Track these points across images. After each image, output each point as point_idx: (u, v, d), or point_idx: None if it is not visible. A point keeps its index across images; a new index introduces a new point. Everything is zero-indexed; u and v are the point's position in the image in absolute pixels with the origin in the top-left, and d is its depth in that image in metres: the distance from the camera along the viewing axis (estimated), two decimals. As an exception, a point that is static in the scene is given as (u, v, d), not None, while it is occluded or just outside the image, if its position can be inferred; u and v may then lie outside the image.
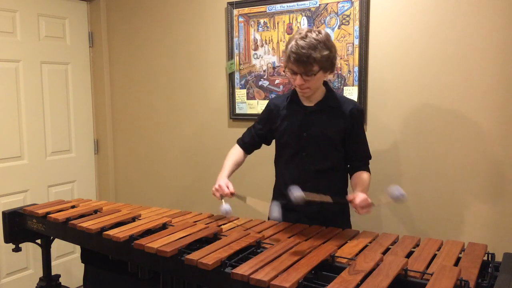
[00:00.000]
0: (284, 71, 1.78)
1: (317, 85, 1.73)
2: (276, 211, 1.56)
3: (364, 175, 1.79)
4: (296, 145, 1.81)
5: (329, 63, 1.67)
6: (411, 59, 2.13)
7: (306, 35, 1.62)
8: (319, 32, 1.64)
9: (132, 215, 1.89)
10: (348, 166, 1.86)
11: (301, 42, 1.61)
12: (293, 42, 1.63)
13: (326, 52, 1.63)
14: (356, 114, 1.78)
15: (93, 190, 3.29)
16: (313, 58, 1.60)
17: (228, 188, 1.78)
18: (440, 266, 1.26)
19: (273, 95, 2.51)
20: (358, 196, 1.63)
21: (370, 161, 1.87)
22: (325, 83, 1.82)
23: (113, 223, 1.79)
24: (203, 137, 2.83)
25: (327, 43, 1.64)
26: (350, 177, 1.85)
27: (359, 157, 1.83)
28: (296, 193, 1.49)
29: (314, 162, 1.79)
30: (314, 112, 1.79)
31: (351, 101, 1.83)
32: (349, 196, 1.66)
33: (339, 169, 1.85)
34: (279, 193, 1.90)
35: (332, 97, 1.80)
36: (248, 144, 1.99)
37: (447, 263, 1.32)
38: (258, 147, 2.01)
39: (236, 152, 1.98)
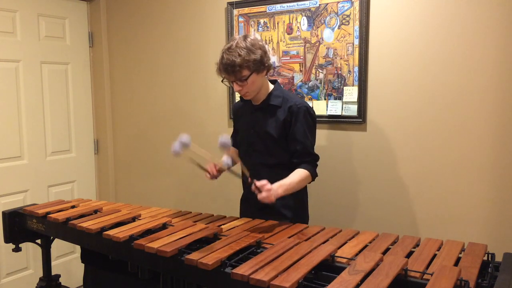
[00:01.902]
0: (222, 81, 1.90)
1: (255, 87, 1.82)
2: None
3: (295, 173, 1.79)
4: (246, 141, 1.96)
5: (258, 65, 1.76)
6: (411, 59, 2.13)
7: (231, 46, 1.74)
8: (245, 38, 1.75)
9: (132, 215, 1.89)
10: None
11: (226, 54, 1.74)
12: (222, 54, 1.76)
13: (251, 56, 1.72)
14: (294, 110, 1.83)
15: (93, 190, 3.29)
16: (238, 65, 1.71)
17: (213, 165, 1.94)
18: (440, 266, 1.26)
19: (273, 95, 2.51)
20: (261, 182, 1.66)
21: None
22: (275, 82, 1.92)
23: (113, 223, 1.79)
24: (203, 137, 2.83)
25: (250, 48, 1.73)
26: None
27: (297, 154, 1.84)
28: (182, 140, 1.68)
29: (262, 158, 1.91)
30: (258, 110, 1.91)
31: (296, 99, 1.91)
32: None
33: (286, 167, 1.86)
34: (243, 185, 2.06)
35: (274, 95, 1.88)
36: (234, 142, 2.06)
37: (447, 263, 1.32)
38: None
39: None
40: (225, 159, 1.81)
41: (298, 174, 1.79)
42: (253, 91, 1.84)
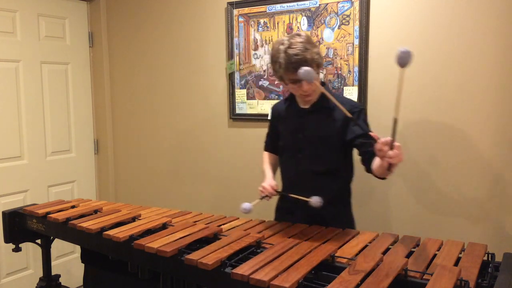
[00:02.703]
0: (286, 84, 1.72)
1: (317, 85, 1.72)
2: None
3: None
4: (293, 147, 1.82)
5: (320, 60, 1.69)
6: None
7: (291, 43, 1.62)
8: (299, 35, 1.66)
9: (132, 215, 1.89)
10: (362, 160, 1.69)
11: (292, 51, 1.60)
12: (281, 54, 1.62)
13: (315, 49, 1.65)
14: (355, 112, 1.71)
15: (93, 190, 3.29)
16: (310, 59, 1.61)
17: (271, 187, 1.79)
18: (440, 266, 1.26)
19: (273, 95, 2.51)
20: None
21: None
22: (323, 84, 1.83)
23: (113, 223, 1.79)
24: (203, 137, 2.83)
25: (311, 41, 1.66)
26: (370, 168, 1.64)
27: (368, 145, 1.63)
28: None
29: (311, 164, 1.78)
30: (309, 113, 1.78)
31: (350, 101, 1.80)
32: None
33: (338, 173, 1.79)
34: (285, 190, 1.90)
35: (326, 97, 1.72)
36: (272, 147, 2.02)
37: (447, 263, 1.32)
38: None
39: (266, 155, 2.04)
40: (246, 205, 1.72)
41: None
42: (317, 90, 1.71)
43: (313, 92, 1.72)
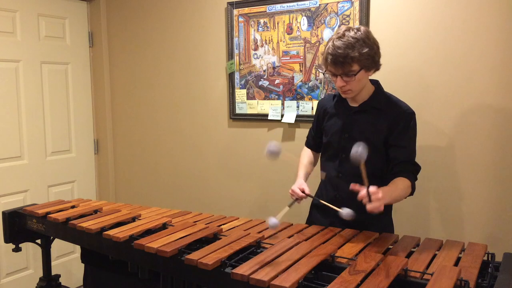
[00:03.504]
0: (324, 74, 1.69)
1: (360, 85, 1.63)
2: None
3: (397, 181, 1.59)
4: (337, 146, 1.73)
5: (370, 61, 1.57)
6: (411, 59, 2.13)
7: (344, 34, 1.55)
8: (358, 30, 1.56)
9: (132, 215, 1.89)
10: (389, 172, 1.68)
11: (338, 42, 1.54)
12: (330, 43, 1.57)
13: (365, 50, 1.54)
14: (404, 116, 1.65)
15: (93, 190, 3.29)
16: (350, 57, 1.53)
17: (302, 191, 1.69)
18: (440, 266, 1.26)
19: (273, 95, 2.51)
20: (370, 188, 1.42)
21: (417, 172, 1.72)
22: (375, 83, 1.73)
23: (113, 223, 1.79)
24: (203, 137, 2.83)
25: (366, 40, 1.55)
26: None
27: (400, 163, 1.65)
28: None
29: (352, 166, 1.65)
30: (357, 113, 1.70)
31: (402, 103, 1.69)
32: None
33: (379, 176, 1.66)
34: (323, 189, 1.84)
35: (379, 98, 1.69)
36: (313, 143, 1.94)
37: (447, 263, 1.32)
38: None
39: (306, 153, 1.96)
40: (272, 220, 1.46)
41: (402, 183, 1.58)
42: (357, 90, 1.64)
43: (349, 91, 1.63)
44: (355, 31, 1.56)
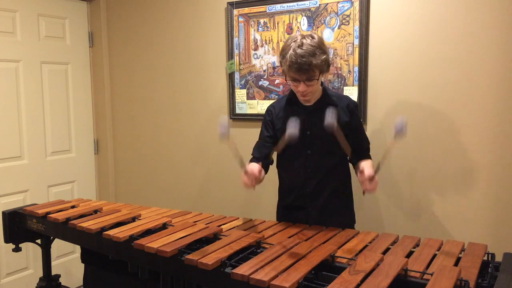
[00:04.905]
0: (286, 80, 1.77)
1: (317, 88, 1.79)
2: (293, 126, 1.46)
3: (368, 161, 1.83)
4: (300, 144, 1.78)
5: (326, 66, 1.73)
6: (411, 59, 2.13)
7: (302, 43, 1.66)
8: (313, 37, 1.69)
9: (132, 215, 1.89)
10: (350, 158, 1.87)
11: (299, 51, 1.64)
12: (290, 52, 1.66)
13: (324, 56, 1.68)
14: (353, 108, 1.86)
15: (93, 190, 3.29)
16: (314, 64, 1.65)
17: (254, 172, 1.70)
18: (440, 266, 1.26)
19: (273, 95, 2.51)
20: (366, 169, 1.66)
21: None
22: (322, 83, 1.87)
23: (113, 223, 1.79)
24: (203, 137, 2.83)
25: (322, 47, 1.69)
26: (354, 167, 1.88)
27: (362, 149, 1.88)
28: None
29: (321, 160, 1.84)
30: (315, 110, 1.82)
31: (345, 96, 1.94)
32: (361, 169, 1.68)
33: (343, 164, 1.90)
34: (285, 195, 1.97)
35: (329, 94, 1.86)
36: (264, 153, 1.89)
37: (447, 263, 1.32)
38: (271, 158, 1.91)
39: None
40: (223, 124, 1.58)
41: (372, 164, 1.79)
42: (315, 92, 1.79)
43: (310, 94, 1.77)
44: (311, 38, 1.68)
